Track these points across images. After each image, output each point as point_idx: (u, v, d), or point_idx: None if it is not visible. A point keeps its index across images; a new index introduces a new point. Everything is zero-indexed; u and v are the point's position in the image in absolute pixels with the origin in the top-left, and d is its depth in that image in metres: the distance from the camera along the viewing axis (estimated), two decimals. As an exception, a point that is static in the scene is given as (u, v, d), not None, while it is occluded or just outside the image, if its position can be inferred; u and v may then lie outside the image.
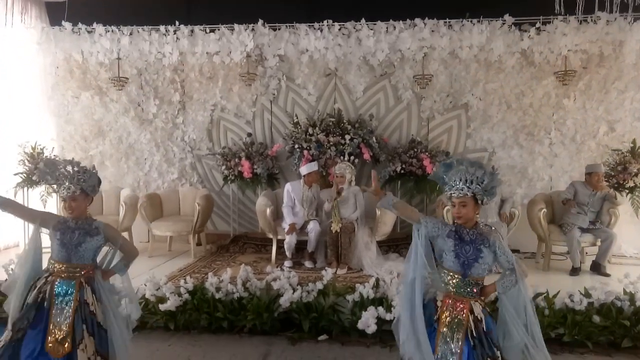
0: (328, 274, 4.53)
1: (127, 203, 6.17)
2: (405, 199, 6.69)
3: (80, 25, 6.78)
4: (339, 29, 6.56)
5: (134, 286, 4.51)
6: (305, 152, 6.36)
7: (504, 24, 6.32)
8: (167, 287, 4.37)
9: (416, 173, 6.26)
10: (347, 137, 6.32)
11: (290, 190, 5.75)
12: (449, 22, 6.41)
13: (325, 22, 6.56)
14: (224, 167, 6.63)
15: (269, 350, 3.97)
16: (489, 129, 6.67)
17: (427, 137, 6.83)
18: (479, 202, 2.44)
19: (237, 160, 6.54)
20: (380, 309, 4.07)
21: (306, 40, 6.58)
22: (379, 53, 6.51)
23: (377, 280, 4.41)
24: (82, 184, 2.77)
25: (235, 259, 5.99)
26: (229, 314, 4.26)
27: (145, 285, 4.44)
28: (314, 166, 5.79)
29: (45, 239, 2.87)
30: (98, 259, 2.89)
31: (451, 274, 2.45)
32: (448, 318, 2.42)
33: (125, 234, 6.25)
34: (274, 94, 7.01)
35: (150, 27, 6.77)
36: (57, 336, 2.64)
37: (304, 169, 5.78)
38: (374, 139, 6.45)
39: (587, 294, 4.14)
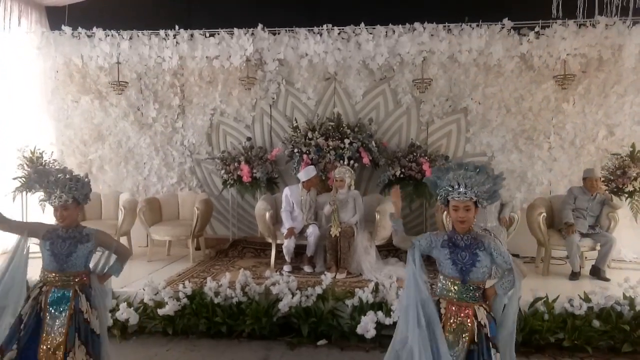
0: (327, 278, 4.52)
1: (126, 207, 6.16)
2: (404, 203, 6.68)
3: (80, 29, 6.79)
4: (339, 33, 6.57)
5: (132, 290, 4.55)
6: (305, 156, 6.36)
7: (503, 28, 6.33)
8: (165, 292, 4.37)
9: (415, 177, 6.25)
10: (347, 141, 6.31)
11: (288, 195, 5.74)
12: (448, 26, 6.42)
13: (324, 27, 6.57)
14: (223, 172, 6.62)
15: (268, 355, 3.97)
16: (488, 133, 6.67)
17: (427, 141, 6.83)
18: (478, 206, 2.43)
19: (236, 164, 6.53)
20: (380, 313, 4.07)
21: (305, 45, 6.59)
22: (379, 57, 6.52)
23: (377, 284, 4.40)
24: (74, 193, 2.74)
25: (234, 264, 5.98)
26: (227, 319, 4.25)
27: (144, 290, 4.44)
28: (312, 172, 5.78)
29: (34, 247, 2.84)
30: (91, 265, 2.88)
31: (451, 280, 2.44)
32: (453, 325, 2.40)
33: (124, 238, 6.30)
34: (273, 98, 7.02)
35: (150, 31, 6.77)
36: (49, 345, 2.63)
37: (303, 175, 5.76)
38: (373, 143, 6.45)
39: (586, 299, 4.13)
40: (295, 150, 6.47)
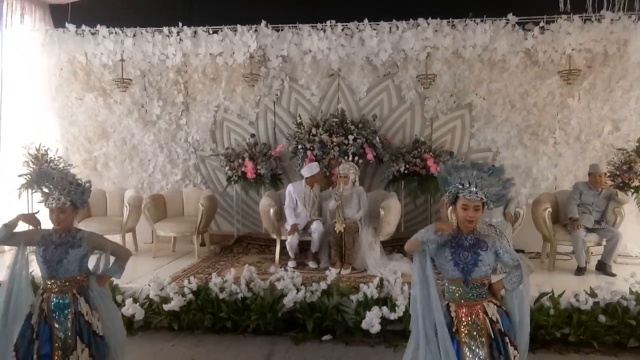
0: (332, 274, 4.52)
1: (131, 204, 6.18)
2: (409, 199, 6.69)
3: (83, 27, 6.80)
4: (342, 30, 6.55)
5: (138, 286, 4.57)
6: (309, 152, 6.36)
7: (507, 23, 6.30)
8: (171, 288, 4.38)
9: (420, 173, 6.25)
10: (351, 137, 6.31)
11: (292, 191, 5.74)
12: (453, 21, 6.40)
13: (328, 23, 6.56)
14: (227, 168, 6.63)
15: (273, 350, 3.97)
16: (492, 129, 6.65)
17: (431, 137, 6.82)
18: (485, 207, 2.42)
19: (240, 160, 6.53)
20: (385, 308, 4.06)
21: (309, 41, 6.58)
22: (382, 53, 6.50)
23: (381, 280, 4.40)
24: (73, 197, 2.70)
25: (239, 260, 5.99)
26: (232, 314, 4.26)
27: (149, 286, 4.45)
28: (315, 168, 5.78)
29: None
30: (91, 266, 2.85)
31: (454, 282, 2.43)
32: (467, 327, 2.37)
33: (129, 235, 6.33)
34: (277, 95, 7.02)
35: (154, 28, 6.78)
36: (63, 349, 2.64)
37: (306, 171, 5.76)
38: (377, 139, 6.44)
39: (592, 294, 4.11)
40: (299, 146, 6.47)
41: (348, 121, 6.54)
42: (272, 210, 5.71)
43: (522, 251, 6.13)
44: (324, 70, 6.87)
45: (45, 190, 2.72)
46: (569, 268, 5.44)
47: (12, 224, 2.70)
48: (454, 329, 2.38)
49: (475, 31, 6.32)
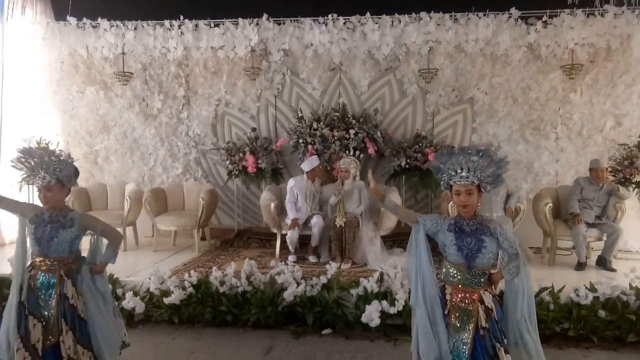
0: (332, 268, 4.52)
1: (132, 198, 6.19)
2: (410, 193, 6.69)
3: (85, 20, 6.79)
4: (344, 23, 6.53)
5: (138, 280, 4.58)
6: (310, 146, 6.35)
7: (510, 17, 6.27)
8: (171, 281, 4.39)
9: (421, 168, 6.24)
10: (352, 131, 6.29)
11: (293, 186, 5.73)
12: (455, 15, 6.36)
13: (329, 16, 6.53)
14: (228, 162, 6.63)
15: (273, 343, 3.98)
16: (494, 124, 6.63)
17: (432, 131, 6.80)
18: (482, 190, 2.40)
19: (241, 155, 6.53)
20: (384, 302, 4.07)
21: (311, 35, 6.56)
22: (384, 47, 6.48)
23: (381, 274, 4.41)
24: (58, 174, 2.70)
25: (239, 254, 6.00)
26: (233, 308, 4.27)
27: (150, 279, 4.46)
28: (315, 162, 5.77)
29: None
30: (84, 253, 2.85)
31: (456, 266, 2.43)
32: (458, 311, 2.40)
33: (129, 229, 6.33)
34: (278, 89, 7.00)
35: (155, 21, 6.76)
36: (47, 327, 2.66)
37: (306, 165, 5.75)
38: (378, 133, 6.43)
39: (592, 289, 4.11)
40: (300, 140, 6.46)
41: (349, 115, 6.53)
42: (272, 205, 5.71)
43: (523, 246, 6.13)
44: (325, 64, 6.85)
45: (31, 169, 2.72)
46: (570, 263, 5.44)
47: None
48: (445, 311, 2.41)
49: (478, 25, 6.29)
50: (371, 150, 6.32)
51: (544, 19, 6.19)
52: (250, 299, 4.28)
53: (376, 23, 6.45)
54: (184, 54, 6.83)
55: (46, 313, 2.69)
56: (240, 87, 7.00)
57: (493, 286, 2.48)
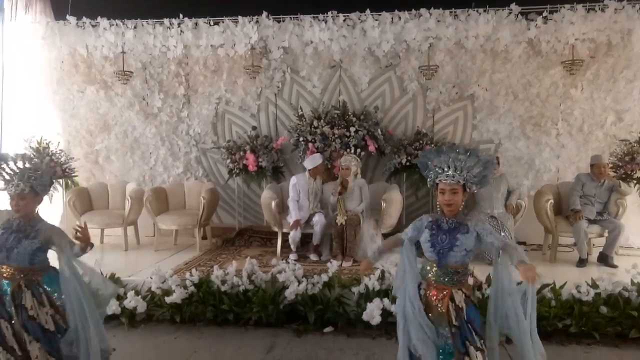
0: (333, 266, 4.51)
1: (133, 197, 6.19)
2: (410, 191, 6.68)
3: (84, 19, 6.79)
4: (344, 20, 6.51)
5: (140, 279, 4.58)
6: (310, 144, 6.34)
7: (510, 13, 6.25)
8: (172, 280, 4.38)
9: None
10: (352, 129, 6.29)
11: (295, 184, 5.72)
12: (455, 11, 6.35)
13: (329, 14, 6.52)
14: (229, 161, 6.62)
15: (275, 342, 3.98)
16: (495, 120, 6.62)
17: (433, 128, 6.79)
18: (467, 190, 2.40)
19: (242, 153, 6.53)
20: (386, 300, 4.06)
21: (310, 32, 6.55)
22: (384, 44, 6.47)
23: (383, 272, 4.40)
24: (33, 182, 2.62)
25: (240, 252, 6.00)
26: (234, 307, 4.27)
27: (151, 278, 4.46)
28: (318, 159, 5.76)
29: None
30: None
31: (429, 263, 2.46)
32: (434, 309, 2.42)
33: (131, 228, 6.33)
34: (278, 87, 6.99)
35: (155, 20, 6.76)
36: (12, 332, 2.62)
37: (309, 163, 5.75)
38: (379, 131, 6.42)
39: (594, 285, 4.10)
40: (301, 138, 6.45)
41: (350, 113, 6.52)
42: (273, 203, 5.71)
43: (524, 243, 6.13)
44: (325, 62, 6.84)
45: (6, 176, 2.64)
46: (571, 260, 5.44)
47: None
48: (423, 307, 2.42)
49: (478, 21, 6.28)
50: (372, 147, 6.32)
51: (544, 14, 6.17)
52: (251, 298, 4.27)
53: (376, 20, 6.44)
54: (184, 52, 6.83)
55: (6, 322, 2.62)
56: (241, 86, 6.99)
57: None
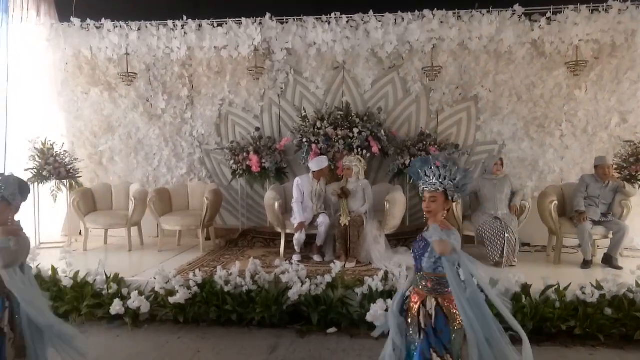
0: (337, 266, 4.51)
1: (137, 198, 6.20)
2: (414, 192, 6.66)
3: (88, 21, 6.82)
4: (347, 22, 6.52)
5: (143, 279, 4.59)
6: (314, 145, 6.34)
7: (514, 14, 6.25)
8: (176, 280, 4.39)
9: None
10: (356, 130, 6.28)
11: (299, 185, 5.72)
12: (458, 13, 6.35)
13: (333, 15, 6.52)
14: (232, 162, 6.63)
15: (278, 342, 3.98)
16: (499, 121, 6.61)
17: (436, 130, 6.78)
18: (450, 198, 2.43)
19: (245, 154, 6.54)
20: (389, 301, 4.03)
21: (314, 34, 6.55)
22: (388, 45, 6.46)
23: (386, 273, 4.39)
24: (3, 192, 2.60)
25: (244, 253, 6.00)
26: (237, 307, 4.27)
27: (155, 279, 4.46)
28: (324, 162, 5.75)
29: None
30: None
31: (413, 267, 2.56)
32: (409, 312, 2.51)
33: (134, 229, 6.36)
34: (281, 88, 7.00)
35: (158, 22, 6.78)
36: None
37: (314, 165, 5.74)
38: (382, 132, 6.41)
39: (598, 287, 4.08)
40: (304, 140, 6.45)
41: (353, 114, 6.52)
42: (277, 204, 5.71)
43: (528, 244, 6.11)
44: (328, 63, 6.85)
45: None
46: (575, 261, 5.41)
47: None
48: (405, 308, 2.54)
49: (481, 22, 6.27)
50: (375, 148, 6.31)
51: (548, 15, 6.16)
52: (255, 298, 4.28)
53: (379, 21, 6.44)
54: (188, 54, 6.85)
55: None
56: (244, 87, 7.01)
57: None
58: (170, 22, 6.74)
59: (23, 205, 2.79)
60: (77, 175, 6.69)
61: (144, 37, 6.80)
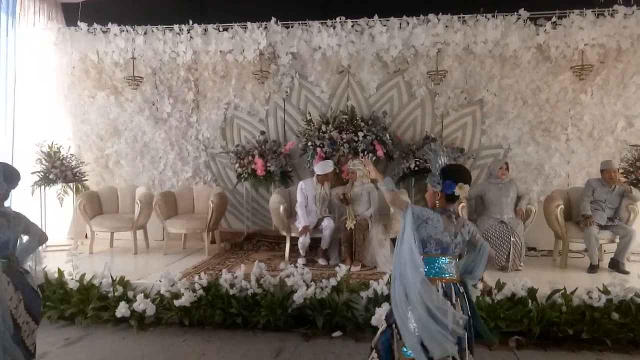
0: (342, 270, 4.51)
1: (142, 201, 6.22)
2: (420, 195, 6.66)
3: (95, 25, 6.87)
4: (352, 26, 6.54)
5: (149, 282, 4.60)
6: (319, 149, 6.35)
7: (519, 18, 6.25)
8: (181, 283, 4.40)
9: (430, 170, 6.19)
10: (360, 134, 6.28)
11: (303, 189, 5.72)
12: (463, 17, 6.35)
13: (338, 19, 6.54)
14: (237, 165, 6.65)
15: (283, 346, 3.97)
16: (504, 125, 6.60)
17: (442, 133, 6.78)
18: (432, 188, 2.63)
19: (250, 158, 6.55)
20: (394, 305, 4.04)
21: (319, 38, 6.57)
22: (392, 49, 6.48)
23: (391, 276, 4.37)
24: None
25: (249, 257, 6.00)
26: (243, 310, 4.28)
27: (160, 282, 4.48)
28: (329, 167, 5.74)
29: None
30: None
31: None
32: None
33: (140, 232, 6.37)
34: (286, 92, 7.02)
35: (165, 26, 6.82)
36: None
37: (319, 169, 5.74)
38: (387, 135, 6.41)
39: (605, 291, 4.06)
40: (309, 143, 6.46)
41: (358, 118, 6.53)
42: (282, 208, 5.71)
43: (534, 249, 6.08)
44: (333, 67, 6.86)
45: None
46: (582, 266, 5.38)
47: None
48: None
49: (487, 27, 6.27)
50: (380, 152, 6.31)
51: (553, 19, 6.16)
52: (260, 302, 4.28)
53: (384, 25, 6.45)
54: (193, 58, 6.88)
55: None
56: (249, 91, 7.03)
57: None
58: (176, 27, 6.78)
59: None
60: (83, 179, 6.72)
61: (150, 42, 6.84)
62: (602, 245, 5.43)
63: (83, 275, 4.60)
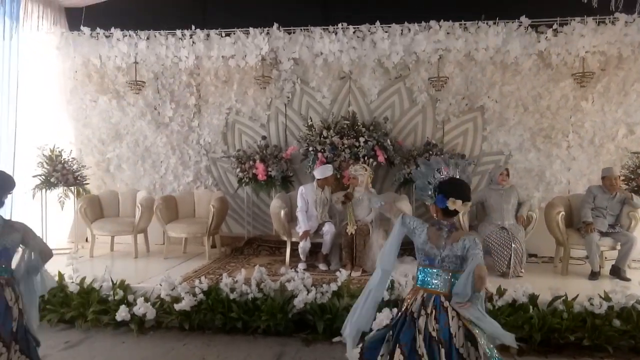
0: (342, 275, 4.50)
1: (143, 205, 6.23)
2: (420, 202, 6.65)
3: (98, 30, 6.90)
4: (354, 32, 6.56)
5: (149, 286, 4.60)
6: (320, 154, 6.36)
7: (520, 25, 6.27)
8: (182, 287, 4.39)
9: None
10: (362, 139, 6.30)
11: (303, 194, 5.72)
12: (465, 24, 6.37)
13: (339, 25, 6.57)
14: (238, 170, 6.65)
15: (283, 351, 3.96)
16: (505, 132, 6.61)
17: (443, 140, 6.79)
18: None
19: (251, 163, 6.56)
20: (395, 310, 4.03)
21: (321, 44, 6.60)
22: (394, 55, 6.50)
23: (392, 282, 4.36)
24: None
25: (249, 261, 6.00)
26: (243, 315, 4.26)
27: (161, 285, 4.47)
28: (329, 171, 5.74)
29: None
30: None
31: None
32: None
33: (141, 236, 6.37)
34: (288, 97, 7.04)
35: (167, 31, 6.84)
36: None
37: (319, 173, 5.74)
38: (388, 141, 6.42)
39: (607, 298, 4.05)
40: (310, 148, 6.47)
41: (359, 123, 6.54)
42: (282, 212, 5.71)
43: (535, 255, 6.08)
44: (335, 73, 6.89)
45: None
46: (583, 273, 5.38)
47: None
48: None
49: (488, 33, 6.29)
50: (381, 158, 6.31)
51: (554, 27, 6.18)
52: (260, 306, 4.27)
53: (386, 32, 6.47)
54: (196, 63, 6.89)
55: None
56: (251, 96, 7.05)
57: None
58: (178, 32, 6.81)
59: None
60: (84, 182, 6.73)
61: (152, 46, 6.86)
62: (603, 252, 5.42)
63: (83, 279, 4.59)
